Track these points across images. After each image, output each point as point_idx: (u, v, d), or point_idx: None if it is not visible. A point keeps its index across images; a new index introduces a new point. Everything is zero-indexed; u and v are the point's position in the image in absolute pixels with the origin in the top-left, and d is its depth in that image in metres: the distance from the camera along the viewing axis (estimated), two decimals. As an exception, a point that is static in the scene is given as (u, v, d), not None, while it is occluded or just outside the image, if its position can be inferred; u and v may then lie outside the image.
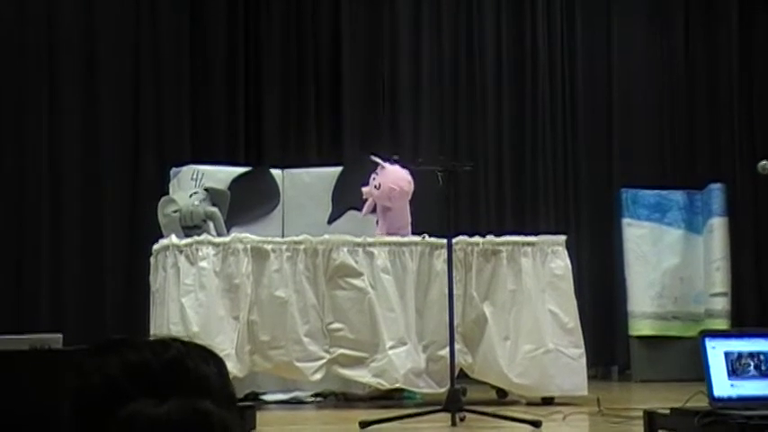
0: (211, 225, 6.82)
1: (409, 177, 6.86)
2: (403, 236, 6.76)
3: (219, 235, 6.67)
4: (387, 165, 6.86)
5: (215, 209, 6.92)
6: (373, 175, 6.88)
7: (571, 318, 6.70)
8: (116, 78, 8.84)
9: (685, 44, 9.74)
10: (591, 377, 7.11)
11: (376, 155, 6.97)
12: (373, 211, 6.94)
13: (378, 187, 6.83)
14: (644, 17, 9.75)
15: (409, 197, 6.92)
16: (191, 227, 6.76)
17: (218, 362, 1.26)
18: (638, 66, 9.69)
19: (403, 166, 6.84)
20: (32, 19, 8.74)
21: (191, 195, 6.97)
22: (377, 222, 6.93)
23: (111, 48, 8.85)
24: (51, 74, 8.74)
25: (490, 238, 6.81)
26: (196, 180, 7.25)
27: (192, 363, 1.21)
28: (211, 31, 9.07)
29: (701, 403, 4.07)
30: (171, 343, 1.23)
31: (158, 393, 1.18)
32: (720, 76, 9.70)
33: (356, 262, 6.50)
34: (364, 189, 6.87)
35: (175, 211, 6.85)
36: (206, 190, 7.05)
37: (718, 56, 9.74)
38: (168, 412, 1.17)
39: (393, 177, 6.84)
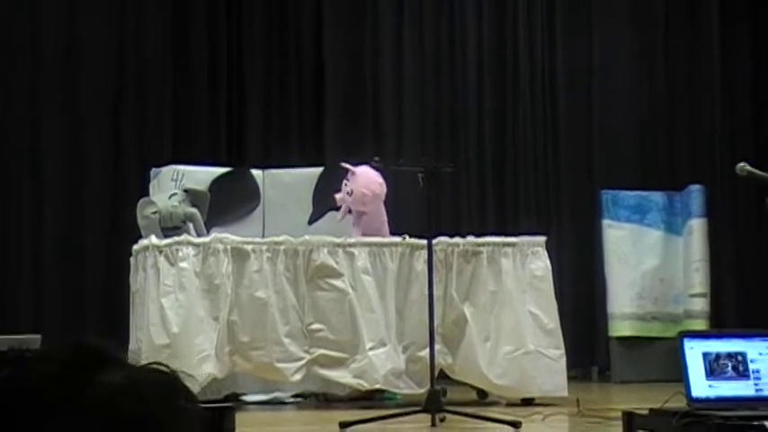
0: (191, 226, 6.81)
1: (380, 179, 6.83)
2: (381, 236, 6.76)
3: (199, 236, 6.66)
4: (357, 169, 6.83)
5: (194, 210, 6.90)
6: (345, 182, 6.86)
7: (551, 319, 6.71)
8: (98, 77, 8.81)
9: (665, 46, 9.76)
10: (571, 378, 7.13)
11: (346, 161, 6.95)
12: (350, 212, 6.92)
13: (350, 194, 6.82)
14: (625, 20, 9.77)
15: (383, 199, 6.90)
16: (170, 228, 6.74)
17: None
18: (619, 67, 9.72)
19: (381, 170, 6.80)
20: (15, 16, 8.71)
21: (170, 197, 6.95)
22: (353, 224, 6.91)
23: (93, 47, 8.82)
24: (33, 72, 8.70)
25: (470, 238, 6.81)
26: (176, 180, 7.23)
27: (95, 342, 1.04)
28: (194, 29, 9.06)
29: (680, 404, 4.08)
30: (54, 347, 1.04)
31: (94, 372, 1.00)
32: (700, 78, 9.74)
33: (336, 263, 6.50)
34: (337, 196, 6.85)
35: (154, 213, 6.83)
36: (185, 191, 7.03)
37: (698, 58, 9.77)
38: (133, 373, 1.01)
39: (364, 182, 6.81)
